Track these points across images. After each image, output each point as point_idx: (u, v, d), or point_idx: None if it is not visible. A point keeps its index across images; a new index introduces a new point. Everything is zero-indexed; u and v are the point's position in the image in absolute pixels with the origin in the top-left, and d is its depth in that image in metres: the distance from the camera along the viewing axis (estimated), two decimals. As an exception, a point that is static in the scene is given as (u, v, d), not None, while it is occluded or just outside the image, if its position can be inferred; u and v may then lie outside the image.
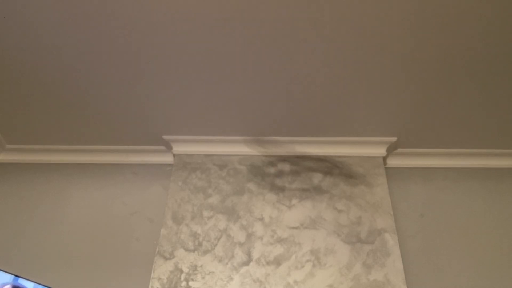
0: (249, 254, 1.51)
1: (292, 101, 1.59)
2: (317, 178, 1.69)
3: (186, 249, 1.53)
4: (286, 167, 1.73)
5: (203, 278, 1.46)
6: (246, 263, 1.49)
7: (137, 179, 1.82)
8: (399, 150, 1.80)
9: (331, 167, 1.72)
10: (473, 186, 1.74)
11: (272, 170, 1.72)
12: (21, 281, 1.16)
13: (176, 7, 1.27)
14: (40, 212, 1.74)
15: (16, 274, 1.21)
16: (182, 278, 1.46)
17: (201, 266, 1.48)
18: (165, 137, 1.79)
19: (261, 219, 1.59)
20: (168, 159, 1.85)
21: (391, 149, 1.78)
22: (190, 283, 1.45)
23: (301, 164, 1.73)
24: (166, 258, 1.51)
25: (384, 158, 1.75)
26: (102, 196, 1.77)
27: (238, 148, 1.78)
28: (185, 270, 1.48)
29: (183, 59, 1.44)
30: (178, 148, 1.80)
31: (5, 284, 1.13)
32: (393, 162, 1.80)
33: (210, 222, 1.59)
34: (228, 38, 1.36)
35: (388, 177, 1.70)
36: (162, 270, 1.48)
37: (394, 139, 1.73)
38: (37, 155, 1.90)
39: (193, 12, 1.29)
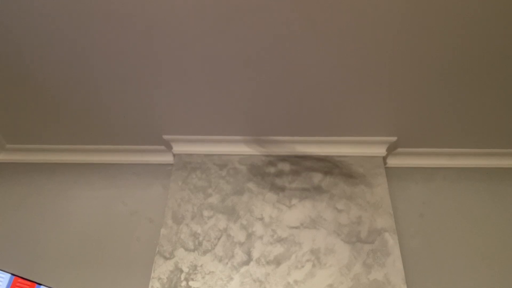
0: (249, 254, 1.51)
1: (292, 101, 1.59)
2: (317, 177, 1.69)
3: (186, 249, 1.53)
4: (286, 166, 1.73)
5: (203, 277, 1.46)
6: (246, 262, 1.49)
7: (137, 179, 1.82)
8: (399, 150, 1.80)
9: (331, 166, 1.72)
10: (473, 186, 1.74)
11: (272, 169, 1.72)
12: None
13: (175, 7, 1.27)
14: (40, 212, 1.74)
15: (16, 274, 1.21)
16: (182, 278, 1.46)
17: (201, 265, 1.48)
18: (165, 136, 1.79)
19: (261, 219, 1.59)
20: (168, 159, 1.85)
21: (391, 149, 1.78)
22: (190, 283, 1.45)
23: (301, 163, 1.73)
24: (166, 258, 1.51)
25: (384, 158, 1.75)
26: (102, 196, 1.77)
27: (238, 148, 1.78)
28: (185, 269, 1.48)
29: (183, 59, 1.44)
30: (178, 148, 1.80)
31: None
32: (393, 162, 1.80)
33: (210, 222, 1.59)
34: (228, 38, 1.36)
35: (388, 177, 1.70)
36: (162, 269, 1.48)
37: (394, 139, 1.73)
38: (37, 155, 1.90)
39: (193, 12, 1.29)
